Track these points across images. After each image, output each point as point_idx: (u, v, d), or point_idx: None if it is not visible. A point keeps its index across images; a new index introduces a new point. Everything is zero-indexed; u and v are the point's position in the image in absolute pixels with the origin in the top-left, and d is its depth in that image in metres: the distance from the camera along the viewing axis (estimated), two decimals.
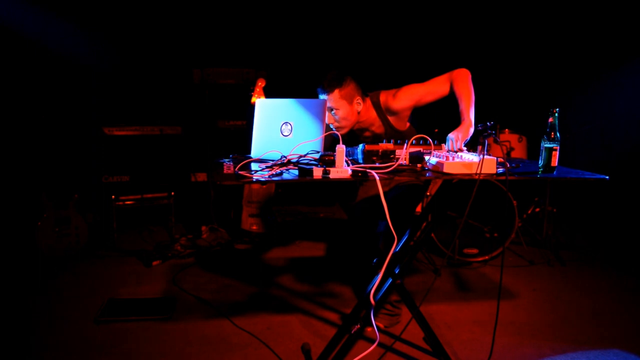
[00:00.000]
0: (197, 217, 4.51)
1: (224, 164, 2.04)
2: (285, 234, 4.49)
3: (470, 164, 1.95)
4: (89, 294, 3.14)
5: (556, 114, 2.12)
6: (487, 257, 3.80)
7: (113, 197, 4.11)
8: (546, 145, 2.11)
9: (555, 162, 2.12)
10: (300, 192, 5.54)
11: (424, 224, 2.54)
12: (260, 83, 2.95)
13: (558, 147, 2.11)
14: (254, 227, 4.27)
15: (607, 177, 2.05)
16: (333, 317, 2.88)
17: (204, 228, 4.32)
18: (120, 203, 4.14)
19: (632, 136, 4.93)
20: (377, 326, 2.54)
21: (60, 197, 3.81)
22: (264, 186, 4.20)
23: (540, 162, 2.14)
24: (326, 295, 3.19)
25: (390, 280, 2.28)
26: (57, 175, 4.20)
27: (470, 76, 2.45)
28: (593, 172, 2.11)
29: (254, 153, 2.23)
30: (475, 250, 3.80)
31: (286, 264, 3.85)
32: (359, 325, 2.29)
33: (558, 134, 2.11)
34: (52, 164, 4.42)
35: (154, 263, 3.68)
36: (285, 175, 1.84)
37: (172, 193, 4.30)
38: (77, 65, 4.61)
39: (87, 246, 3.91)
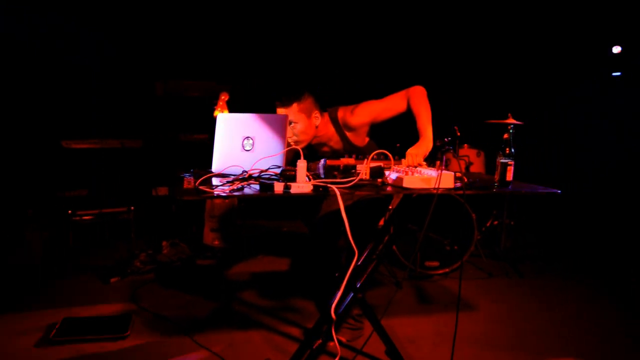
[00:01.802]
0: (158, 232, 4.42)
1: (185, 178, 2.02)
2: (248, 248, 4.45)
3: (429, 179, 1.99)
4: (43, 312, 3.02)
5: (511, 130, 2.20)
6: (447, 270, 3.86)
7: (70, 211, 3.99)
8: (502, 161, 2.18)
9: (510, 176, 2.19)
10: (264, 207, 5.52)
11: (386, 238, 2.57)
12: (224, 97, 2.92)
13: (513, 162, 2.18)
14: (216, 242, 4.22)
15: (559, 191, 2.12)
16: (296, 332, 2.87)
17: (164, 243, 4.23)
18: (78, 218, 4.02)
19: (587, 150, 5.14)
20: (339, 340, 2.55)
21: (14, 212, 3.68)
22: (227, 200, 4.17)
23: (496, 177, 2.20)
24: (289, 310, 3.17)
25: (352, 295, 2.29)
26: (11, 190, 4.06)
27: (425, 93, 2.52)
28: (547, 186, 2.18)
29: (215, 167, 2.21)
30: (436, 263, 3.86)
31: (249, 278, 3.82)
32: (320, 340, 2.29)
33: (513, 150, 2.18)
34: (5, 177, 4.27)
35: (112, 280, 3.59)
36: (247, 190, 1.84)
37: (132, 208, 4.20)
38: (31, 74, 4.49)
39: (41, 263, 3.78)
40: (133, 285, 3.54)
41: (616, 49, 4.92)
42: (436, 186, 1.96)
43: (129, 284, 3.56)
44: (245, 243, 4.48)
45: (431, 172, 2.05)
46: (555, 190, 2.13)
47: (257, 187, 1.87)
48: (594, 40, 5.01)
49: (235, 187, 1.84)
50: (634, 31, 4.76)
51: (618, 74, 4.97)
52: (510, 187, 2.17)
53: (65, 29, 4.52)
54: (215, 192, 1.77)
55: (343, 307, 2.30)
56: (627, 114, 4.95)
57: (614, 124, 5.06)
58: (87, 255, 4.15)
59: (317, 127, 2.62)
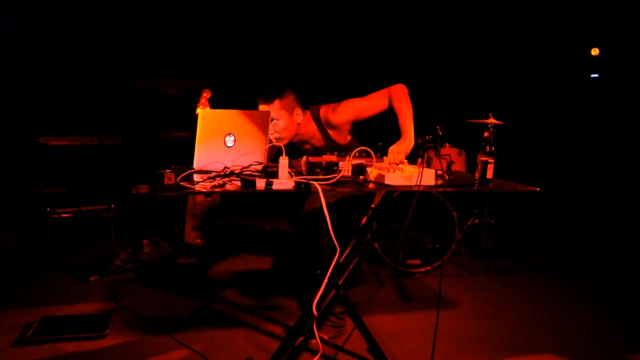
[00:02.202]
0: (139, 231, 4.37)
1: (165, 174, 2.00)
2: (231, 247, 4.43)
3: (410, 176, 2.00)
4: (20, 311, 2.97)
5: (491, 129, 2.22)
6: (429, 268, 3.89)
7: (48, 209, 3.92)
8: (482, 159, 2.20)
9: (490, 174, 2.21)
10: (246, 205, 5.49)
11: (368, 235, 2.57)
12: (206, 94, 2.90)
13: (493, 160, 2.20)
14: (198, 241, 4.19)
15: (538, 189, 2.15)
16: (278, 330, 2.86)
17: (145, 242, 4.18)
18: (56, 216, 3.95)
19: (566, 149, 5.22)
20: (321, 338, 2.55)
21: None
22: (209, 198, 4.14)
23: (476, 174, 2.22)
24: (271, 309, 3.17)
25: (333, 292, 2.29)
26: None
27: (407, 91, 2.54)
28: (527, 184, 2.21)
29: (197, 164, 2.19)
30: (417, 261, 3.89)
31: (231, 277, 3.80)
32: (302, 337, 2.29)
33: (493, 148, 2.21)
34: None
35: (92, 279, 3.54)
36: (228, 187, 1.83)
37: (112, 205, 4.15)
38: (11, 69, 4.41)
39: (19, 262, 3.71)
40: (113, 284, 3.50)
41: (594, 52, 5.00)
42: (417, 183, 1.97)
43: (108, 283, 3.51)
44: (228, 242, 4.46)
45: (413, 170, 2.06)
46: (534, 189, 2.15)
47: (239, 183, 1.86)
48: (584, 40, 5.10)
49: (217, 184, 1.83)
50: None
51: (596, 75, 5.06)
52: (490, 185, 2.19)
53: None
54: (196, 188, 1.76)
55: (325, 304, 2.30)
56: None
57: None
58: (66, 253, 4.09)
59: (299, 124, 2.62)
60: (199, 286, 3.56)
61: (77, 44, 4.59)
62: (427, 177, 2.01)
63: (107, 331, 2.72)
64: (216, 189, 1.78)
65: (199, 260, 4.11)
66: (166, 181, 1.84)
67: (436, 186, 2.04)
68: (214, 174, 1.97)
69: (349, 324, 2.81)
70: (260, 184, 1.79)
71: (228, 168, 1.99)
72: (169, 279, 3.68)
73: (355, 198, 2.69)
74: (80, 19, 4.61)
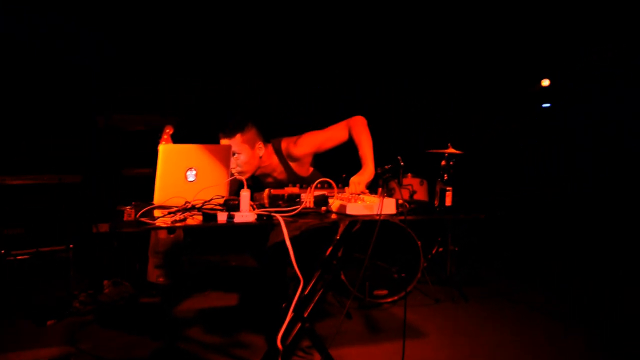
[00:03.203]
0: (99, 271, 4.24)
1: (125, 211, 1.97)
2: (195, 284, 4.34)
3: (371, 206, 2.04)
4: None
5: (447, 157, 2.29)
6: (396, 298, 3.90)
7: (3, 251, 3.78)
8: (441, 187, 2.26)
9: (449, 201, 2.27)
10: (211, 241, 5.42)
11: (332, 266, 2.58)
12: (168, 130, 2.90)
13: (451, 188, 2.27)
14: (161, 279, 4.09)
15: (498, 214, 2.22)
16: None
17: (106, 282, 4.06)
18: (12, 258, 3.81)
19: (522, 178, 5.35)
20: None
21: None
22: (172, 235, 4.07)
23: (436, 202, 2.28)
24: (237, 346, 3.10)
25: (299, 325, 2.27)
26: None
27: (366, 122, 2.61)
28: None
29: (157, 200, 2.17)
30: (385, 292, 3.89)
31: (196, 315, 3.71)
32: None
33: (451, 176, 2.28)
34: None
35: (49, 322, 3.40)
36: (190, 221, 1.82)
37: (71, 245, 4.03)
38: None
39: None
40: (71, 327, 3.37)
41: (545, 82, 5.22)
42: (379, 212, 2.01)
43: (67, 326, 3.38)
44: (192, 279, 4.37)
45: (374, 199, 2.10)
46: (493, 214, 2.22)
47: (201, 217, 1.85)
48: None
49: (178, 218, 1.81)
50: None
51: (548, 105, 5.27)
52: (449, 211, 2.25)
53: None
54: (156, 223, 1.74)
55: (291, 337, 2.28)
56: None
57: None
58: (22, 297, 3.92)
59: (260, 157, 2.64)
60: (162, 326, 3.46)
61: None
62: (388, 206, 2.05)
63: None
64: (177, 224, 1.76)
65: (162, 299, 4.01)
66: (126, 217, 1.82)
67: (397, 214, 2.07)
68: (174, 208, 1.96)
69: (317, 357, 2.78)
70: (222, 217, 1.79)
71: (189, 202, 1.98)
72: (131, 319, 3.57)
73: (320, 229, 2.71)
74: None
